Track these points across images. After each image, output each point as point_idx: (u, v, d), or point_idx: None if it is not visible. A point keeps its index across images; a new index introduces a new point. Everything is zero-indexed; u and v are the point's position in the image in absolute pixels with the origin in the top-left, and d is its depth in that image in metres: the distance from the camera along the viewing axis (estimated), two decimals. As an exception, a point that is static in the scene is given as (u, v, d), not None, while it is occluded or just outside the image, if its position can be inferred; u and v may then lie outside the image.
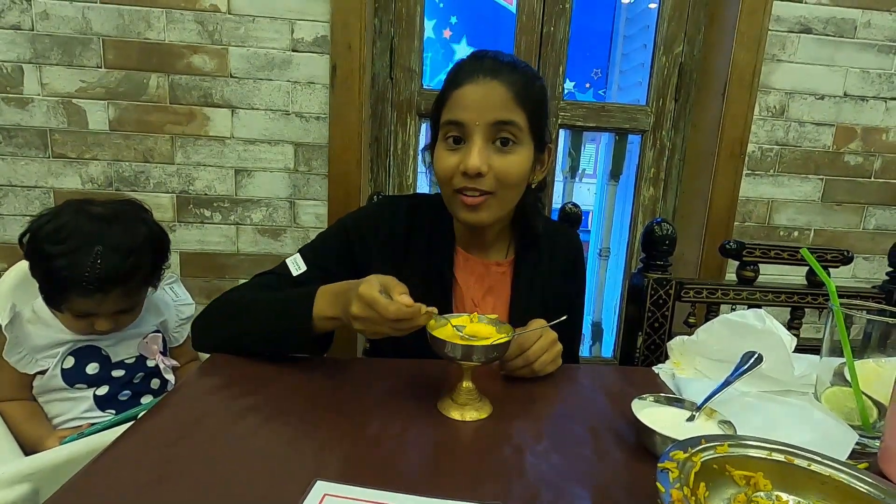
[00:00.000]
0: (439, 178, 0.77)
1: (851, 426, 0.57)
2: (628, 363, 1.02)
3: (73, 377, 0.94)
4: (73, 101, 1.33)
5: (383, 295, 0.59)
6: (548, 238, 0.90)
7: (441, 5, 2.57)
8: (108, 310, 0.92)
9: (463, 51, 2.61)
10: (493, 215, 0.77)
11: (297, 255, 0.83)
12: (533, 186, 0.83)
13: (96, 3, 1.29)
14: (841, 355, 0.60)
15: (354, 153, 1.40)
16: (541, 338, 0.69)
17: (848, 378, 0.59)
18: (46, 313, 0.94)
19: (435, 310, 0.60)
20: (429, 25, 2.38)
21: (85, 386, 0.94)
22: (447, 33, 2.57)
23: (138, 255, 0.92)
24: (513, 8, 1.54)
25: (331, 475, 0.47)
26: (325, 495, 0.44)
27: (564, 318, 0.64)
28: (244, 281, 1.47)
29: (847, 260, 1.01)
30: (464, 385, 0.62)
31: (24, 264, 1.06)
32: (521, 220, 0.86)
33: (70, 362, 0.94)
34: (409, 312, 0.58)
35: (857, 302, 0.63)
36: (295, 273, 0.80)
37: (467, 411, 0.60)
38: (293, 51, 1.36)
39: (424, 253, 0.84)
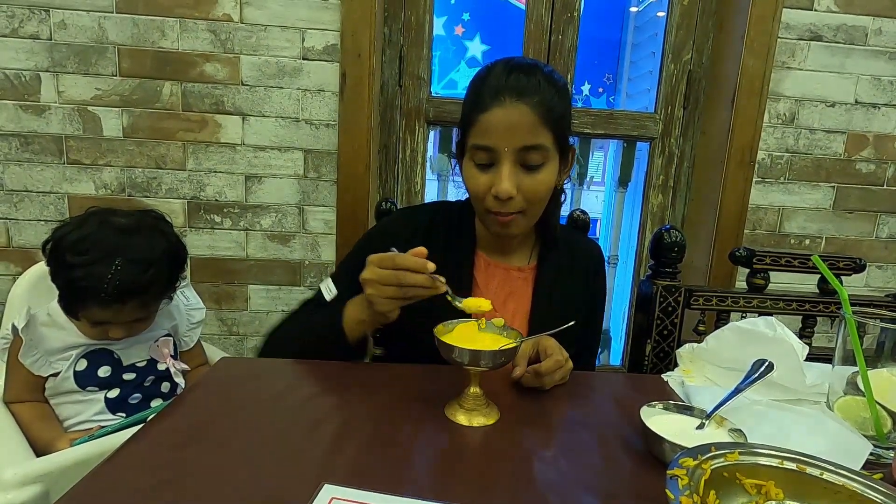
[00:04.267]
0: (471, 195, 0.80)
1: (865, 436, 0.56)
2: (637, 371, 1.01)
3: (86, 380, 0.95)
4: (89, 108, 1.35)
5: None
6: (568, 246, 0.90)
7: (452, 2, 2.51)
8: (124, 319, 0.94)
9: (477, 48, 2.51)
10: (523, 229, 0.81)
11: (329, 280, 0.85)
12: (558, 188, 0.84)
13: (112, 12, 1.32)
14: (853, 364, 0.59)
15: (363, 160, 1.41)
16: (558, 352, 0.70)
17: (861, 387, 0.58)
18: (61, 316, 0.95)
19: (443, 280, 0.64)
20: (438, 23, 2.35)
21: (96, 389, 0.95)
22: (459, 30, 2.51)
23: (156, 267, 0.93)
24: (523, 6, 1.54)
25: (338, 479, 0.47)
26: (332, 499, 0.44)
27: (572, 323, 0.64)
28: (254, 286, 1.49)
29: (859, 268, 0.99)
30: (471, 390, 0.62)
31: (38, 267, 1.08)
32: (542, 223, 0.86)
33: (83, 365, 0.95)
34: (416, 263, 0.63)
35: (870, 310, 0.62)
36: (328, 298, 0.83)
37: (475, 417, 0.60)
38: (304, 59, 1.38)
39: (444, 255, 0.83)
